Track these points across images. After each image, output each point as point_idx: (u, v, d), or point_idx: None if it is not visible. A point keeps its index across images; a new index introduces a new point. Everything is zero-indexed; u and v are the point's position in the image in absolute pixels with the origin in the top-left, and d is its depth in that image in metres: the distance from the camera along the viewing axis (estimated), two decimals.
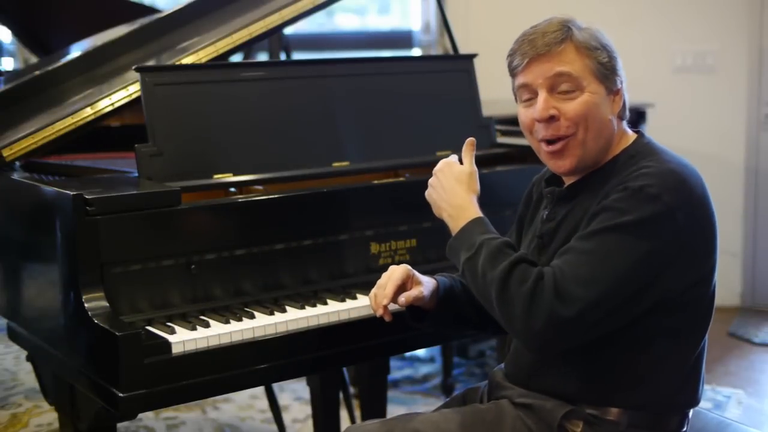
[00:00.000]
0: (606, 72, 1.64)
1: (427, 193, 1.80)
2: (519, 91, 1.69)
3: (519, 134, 1.82)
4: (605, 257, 1.52)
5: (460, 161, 1.80)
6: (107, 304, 1.78)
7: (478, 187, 1.77)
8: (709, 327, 1.65)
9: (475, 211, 1.72)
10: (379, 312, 1.74)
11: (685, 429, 1.67)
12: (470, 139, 1.80)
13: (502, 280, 1.56)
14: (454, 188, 1.75)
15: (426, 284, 1.78)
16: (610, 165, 1.66)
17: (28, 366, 2.37)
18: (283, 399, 3.41)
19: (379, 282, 1.77)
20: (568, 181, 1.72)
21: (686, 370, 1.63)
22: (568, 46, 1.63)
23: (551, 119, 1.62)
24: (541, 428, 1.63)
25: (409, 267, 1.78)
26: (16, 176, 2.17)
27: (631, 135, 1.72)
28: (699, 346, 1.64)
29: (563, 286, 1.51)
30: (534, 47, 1.63)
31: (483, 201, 2.30)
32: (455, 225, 1.72)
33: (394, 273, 1.75)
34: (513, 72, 1.69)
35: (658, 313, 1.57)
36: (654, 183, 1.53)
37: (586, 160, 1.65)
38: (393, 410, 2.80)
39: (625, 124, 1.72)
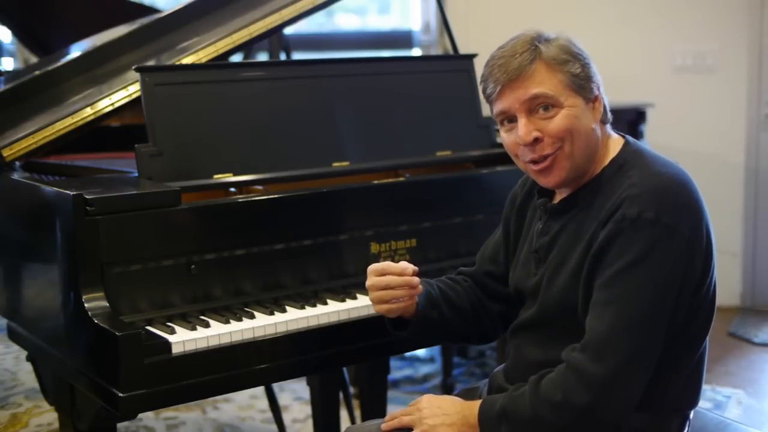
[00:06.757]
0: (581, 82, 1.61)
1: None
2: (498, 118, 1.67)
3: None
4: (628, 301, 1.51)
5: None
6: (107, 304, 1.78)
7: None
8: (710, 328, 1.65)
9: (472, 405, 1.64)
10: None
11: (686, 430, 1.67)
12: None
13: (543, 406, 1.53)
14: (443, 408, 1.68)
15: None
16: (600, 178, 1.64)
17: (28, 366, 2.37)
18: (283, 399, 3.41)
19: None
20: (560, 194, 1.71)
21: (688, 372, 1.63)
22: (539, 65, 1.60)
23: (535, 141, 1.61)
24: None
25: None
26: (16, 176, 2.17)
27: (617, 140, 1.69)
28: (700, 347, 1.64)
29: (596, 348, 1.51)
30: (505, 72, 1.60)
31: (483, 201, 2.32)
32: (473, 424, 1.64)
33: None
34: (488, 99, 1.67)
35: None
36: (649, 205, 1.52)
37: (575, 171, 1.63)
38: (393, 410, 2.79)
39: (609, 128, 1.69)
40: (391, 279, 1.71)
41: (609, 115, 1.68)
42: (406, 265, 1.72)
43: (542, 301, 1.68)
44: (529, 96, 1.59)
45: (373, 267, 1.74)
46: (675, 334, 1.57)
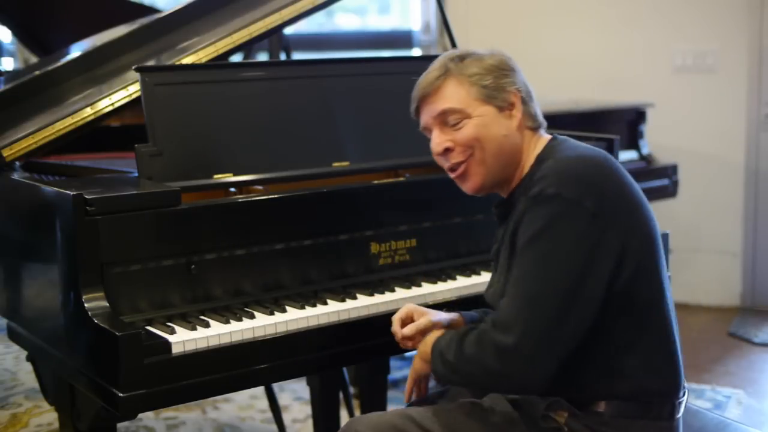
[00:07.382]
0: (492, 92, 1.72)
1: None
2: (424, 132, 1.81)
3: None
4: (529, 273, 1.58)
5: None
6: (107, 304, 1.78)
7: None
8: (669, 314, 1.66)
9: (433, 339, 1.74)
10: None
11: (678, 416, 1.68)
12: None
13: (463, 360, 1.63)
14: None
15: (438, 315, 1.83)
16: (526, 177, 1.72)
17: (28, 366, 2.37)
18: (283, 399, 3.41)
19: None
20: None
21: (656, 356, 1.65)
22: (447, 81, 1.74)
23: (447, 151, 1.74)
24: (528, 420, 1.68)
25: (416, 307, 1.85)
26: (16, 176, 2.17)
27: (546, 140, 1.77)
28: (662, 329, 1.66)
29: (500, 319, 1.59)
30: (420, 90, 1.78)
31: (483, 201, 2.31)
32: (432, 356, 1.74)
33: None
34: (414, 116, 1.82)
35: (608, 301, 1.60)
36: (550, 183, 1.60)
37: (492, 177, 1.74)
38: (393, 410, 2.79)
39: (542, 131, 1.78)
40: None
41: (539, 120, 1.78)
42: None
43: (499, 306, 1.72)
44: (439, 111, 1.75)
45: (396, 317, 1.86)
46: (624, 317, 1.61)
